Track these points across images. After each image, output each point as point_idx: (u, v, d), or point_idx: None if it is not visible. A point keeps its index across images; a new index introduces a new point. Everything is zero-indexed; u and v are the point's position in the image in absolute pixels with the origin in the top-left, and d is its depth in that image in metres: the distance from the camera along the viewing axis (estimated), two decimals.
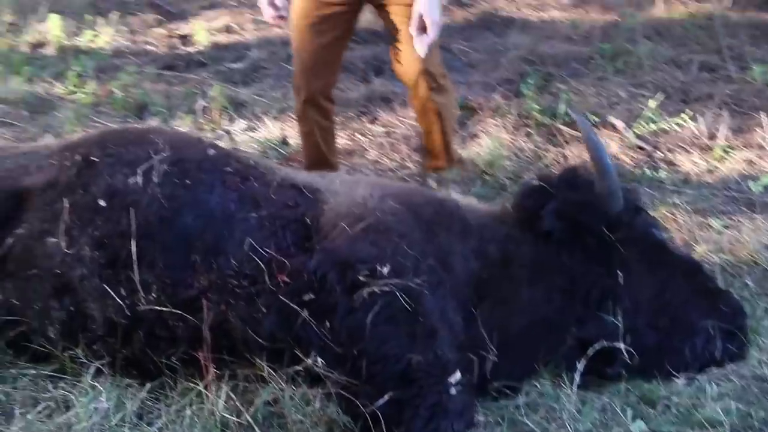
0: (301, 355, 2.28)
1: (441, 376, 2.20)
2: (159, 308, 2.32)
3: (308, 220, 2.48)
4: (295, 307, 2.30)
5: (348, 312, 2.27)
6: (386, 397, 2.16)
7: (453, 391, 2.19)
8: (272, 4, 3.40)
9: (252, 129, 4.50)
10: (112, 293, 2.34)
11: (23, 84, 5.28)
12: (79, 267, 2.37)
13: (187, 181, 2.46)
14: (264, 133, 4.41)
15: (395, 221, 2.48)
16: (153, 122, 4.68)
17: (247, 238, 2.40)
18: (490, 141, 4.06)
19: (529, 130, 4.24)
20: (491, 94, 4.61)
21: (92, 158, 2.50)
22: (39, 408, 2.27)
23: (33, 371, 2.43)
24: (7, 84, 5.25)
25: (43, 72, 5.49)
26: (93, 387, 2.33)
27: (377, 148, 4.19)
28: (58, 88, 5.23)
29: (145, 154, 2.51)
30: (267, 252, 2.38)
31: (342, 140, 4.20)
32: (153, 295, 2.33)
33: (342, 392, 2.23)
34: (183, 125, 4.53)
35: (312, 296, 2.32)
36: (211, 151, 2.62)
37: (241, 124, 4.56)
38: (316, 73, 3.54)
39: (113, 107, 4.92)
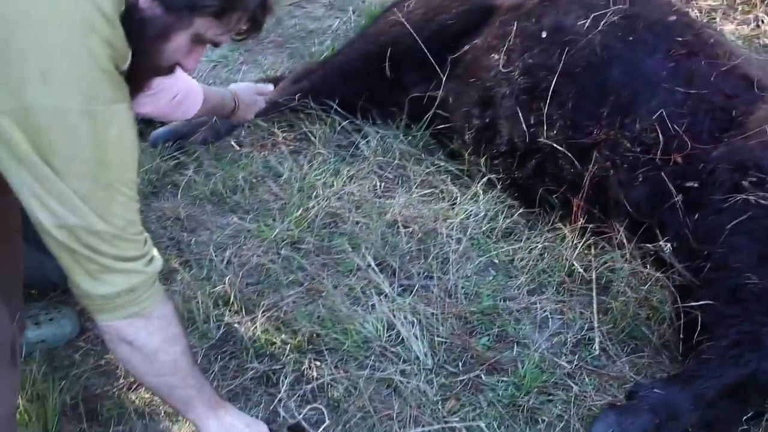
0: (658, 235, 2.56)
1: None
2: (555, 145, 2.75)
3: (736, 114, 2.65)
4: (673, 188, 2.55)
5: (716, 211, 2.46)
6: (711, 305, 2.34)
7: None
8: None
9: None
10: (522, 118, 2.84)
11: None
12: (505, 86, 2.92)
13: (630, 38, 2.78)
14: None
15: None
16: None
17: (663, 110, 2.66)
18: None
19: None
20: None
21: None
22: (424, 191, 2.95)
23: (442, 163, 3.10)
24: None
25: None
26: (478, 194, 2.92)
27: None
28: None
29: (605, 3, 2.87)
30: (675, 129, 2.63)
31: None
32: (554, 131, 2.78)
33: (676, 285, 2.47)
34: None
35: (694, 185, 2.55)
36: (672, 18, 2.88)
37: None
38: None
39: None
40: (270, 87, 3.03)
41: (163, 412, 2.24)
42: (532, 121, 2.84)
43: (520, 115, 2.86)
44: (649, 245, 2.57)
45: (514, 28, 2.96)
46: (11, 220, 1.97)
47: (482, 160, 3.00)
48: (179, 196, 2.99)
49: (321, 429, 2.18)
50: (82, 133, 1.45)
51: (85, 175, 1.49)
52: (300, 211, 2.84)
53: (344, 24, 4.16)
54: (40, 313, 2.42)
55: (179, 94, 2.54)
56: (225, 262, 2.70)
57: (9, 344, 1.64)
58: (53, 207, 1.49)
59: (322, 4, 4.40)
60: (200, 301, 2.51)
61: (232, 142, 3.25)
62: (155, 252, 1.72)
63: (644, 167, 2.63)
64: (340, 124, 3.29)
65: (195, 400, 1.89)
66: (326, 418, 2.20)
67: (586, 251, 2.72)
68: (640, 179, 2.63)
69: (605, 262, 2.65)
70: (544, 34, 2.89)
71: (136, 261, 1.64)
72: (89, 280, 1.60)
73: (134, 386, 2.30)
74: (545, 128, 2.80)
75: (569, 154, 2.74)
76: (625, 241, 2.63)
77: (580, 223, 2.75)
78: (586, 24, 2.85)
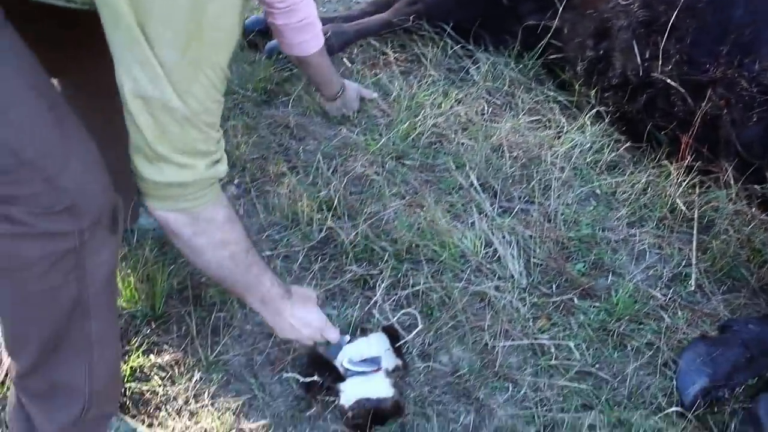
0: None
1: None
2: (668, 81, 2.73)
3: None
4: None
5: None
6: None
7: None
8: None
9: None
10: (637, 51, 2.82)
11: None
12: (623, 18, 2.89)
13: None
14: None
15: None
16: None
17: None
18: None
19: None
20: None
21: None
22: (531, 118, 3.00)
23: (551, 93, 3.11)
24: None
25: None
26: (585, 125, 2.93)
27: None
28: None
29: None
30: None
31: None
32: (669, 66, 2.75)
33: None
34: None
35: None
36: None
37: None
38: None
39: None
40: (374, 95, 3.08)
41: None
42: (647, 55, 2.81)
43: (636, 48, 2.84)
44: (756, 186, 2.55)
45: None
46: None
47: (592, 92, 3.00)
48: (290, 106, 3.07)
49: (413, 333, 2.25)
50: (181, 1, 1.40)
51: (175, 46, 1.44)
52: (406, 126, 2.89)
53: None
54: None
55: (306, 19, 2.60)
56: (331, 170, 2.77)
57: (109, 211, 1.68)
58: (136, 73, 1.46)
59: None
60: (305, 204, 2.59)
61: (344, 59, 3.31)
62: (223, 158, 1.69)
63: (760, 108, 2.59)
64: (452, 48, 3.32)
65: (245, 297, 1.94)
66: (419, 323, 2.27)
67: (690, 190, 2.71)
68: (755, 119, 2.59)
69: (709, 201, 2.64)
70: None
71: (197, 158, 1.61)
72: (145, 162, 1.60)
73: None
74: (660, 63, 2.77)
75: (683, 90, 2.72)
76: (732, 181, 2.61)
77: (687, 160, 2.73)
78: None
